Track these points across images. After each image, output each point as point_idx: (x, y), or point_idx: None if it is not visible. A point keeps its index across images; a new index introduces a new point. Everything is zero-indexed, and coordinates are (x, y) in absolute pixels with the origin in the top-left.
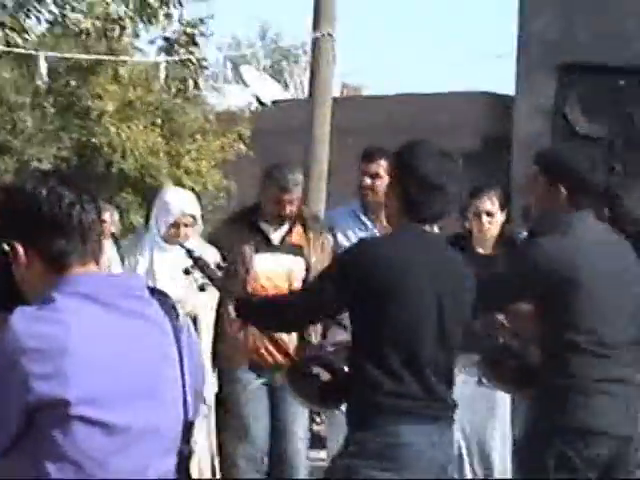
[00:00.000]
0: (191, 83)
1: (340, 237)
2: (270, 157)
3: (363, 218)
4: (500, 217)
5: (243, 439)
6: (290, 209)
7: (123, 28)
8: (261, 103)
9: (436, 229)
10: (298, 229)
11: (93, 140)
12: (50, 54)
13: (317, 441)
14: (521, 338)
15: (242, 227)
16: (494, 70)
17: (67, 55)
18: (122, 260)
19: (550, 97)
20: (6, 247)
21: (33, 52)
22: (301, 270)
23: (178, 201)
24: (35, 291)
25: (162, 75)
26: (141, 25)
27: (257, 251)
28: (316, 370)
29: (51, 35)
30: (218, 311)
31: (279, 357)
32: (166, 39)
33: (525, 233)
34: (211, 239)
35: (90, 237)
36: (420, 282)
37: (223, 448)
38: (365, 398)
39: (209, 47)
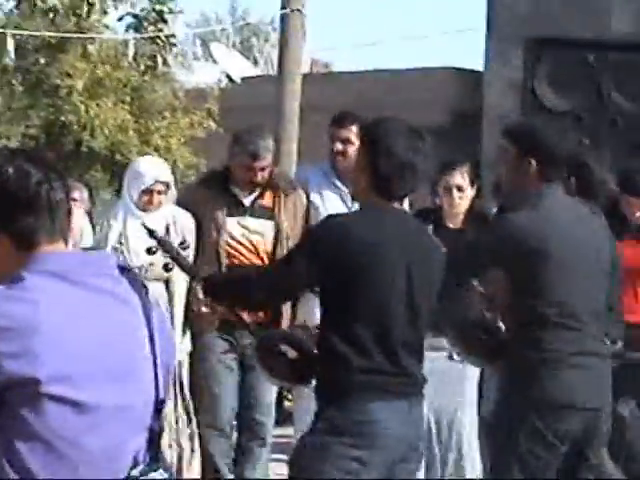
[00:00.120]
0: (160, 60)
1: (314, 195)
2: None
3: (335, 181)
4: (470, 192)
5: (211, 409)
6: (262, 175)
7: (91, 5)
8: (230, 80)
9: (406, 205)
10: (269, 192)
11: (62, 118)
12: (18, 32)
13: (289, 418)
14: (494, 307)
15: (214, 190)
16: (464, 45)
17: (35, 33)
18: (94, 228)
19: (519, 72)
20: None
21: (0, 30)
22: (272, 233)
23: (151, 169)
24: (4, 270)
25: (131, 52)
26: (109, 2)
27: (229, 214)
28: (284, 348)
29: (19, 13)
30: (190, 289)
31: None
32: (135, 16)
33: (495, 209)
34: (182, 202)
35: (58, 215)
36: (389, 259)
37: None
38: (335, 375)
39: (178, 24)
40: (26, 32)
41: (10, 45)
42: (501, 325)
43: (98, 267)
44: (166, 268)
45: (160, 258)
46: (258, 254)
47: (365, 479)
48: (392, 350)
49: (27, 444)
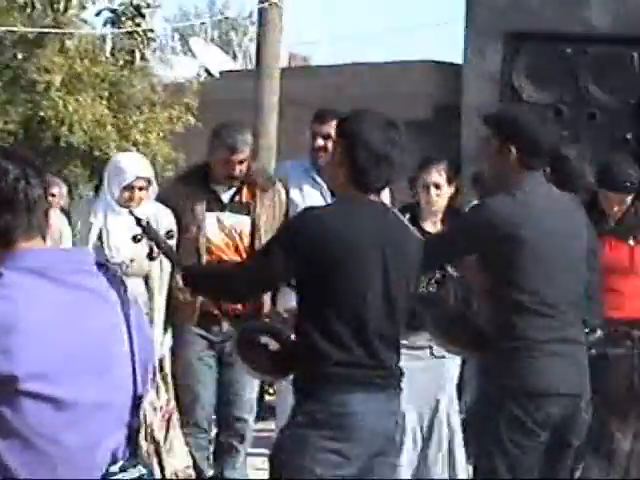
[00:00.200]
0: (138, 55)
1: (294, 191)
2: None
3: (315, 176)
4: (448, 190)
5: (189, 405)
6: (240, 169)
7: (69, 0)
8: (209, 74)
9: (386, 196)
10: (247, 188)
11: (40, 113)
12: None
13: (270, 412)
14: (471, 290)
15: (193, 186)
16: (443, 38)
17: (12, 28)
18: (73, 228)
19: (498, 65)
20: None
21: None
22: (250, 229)
23: (132, 165)
24: None
25: (109, 47)
26: None
27: (208, 210)
28: (264, 340)
29: None
30: (172, 277)
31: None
32: (112, 11)
33: (475, 202)
34: (162, 198)
35: (36, 212)
36: (367, 251)
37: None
38: (312, 368)
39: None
40: (3, 27)
41: None
42: (480, 314)
43: (76, 264)
44: (150, 256)
45: (141, 253)
46: (237, 250)
47: (345, 472)
48: (369, 343)
49: (5, 441)
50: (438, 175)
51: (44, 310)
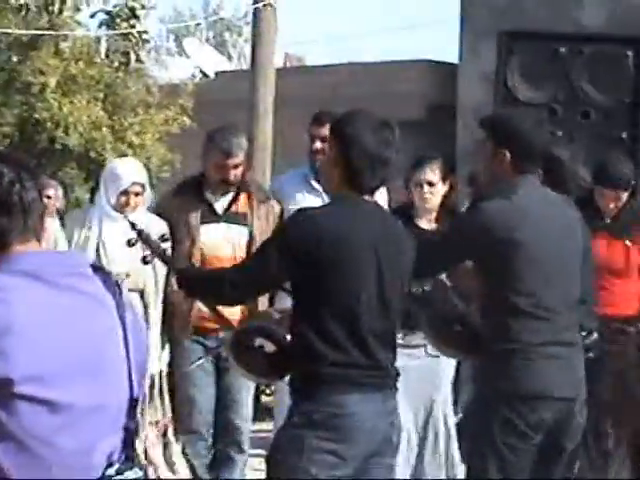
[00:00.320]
0: (133, 56)
1: (291, 205)
2: None
3: (313, 183)
4: (442, 187)
5: (187, 411)
6: (234, 174)
7: (64, 2)
8: (204, 75)
9: (383, 196)
10: (243, 197)
11: (35, 115)
12: None
13: (267, 413)
14: (465, 297)
15: (187, 197)
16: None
17: (7, 30)
18: (69, 237)
19: (493, 65)
20: None
21: None
22: (246, 239)
23: (127, 170)
24: None
25: (103, 49)
26: None
27: (202, 221)
28: (260, 341)
29: None
30: (167, 281)
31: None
32: (107, 13)
33: (467, 204)
34: (157, 210)
35: (31, 215)
36: (361, 252)
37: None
38: (308, 369)
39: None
40: None
41: None
42: (474, 316)
43: (72, 267)
44: (144, 260)
45: (137, 266)
46: (232, 261)
47: (341, 473)
48: (365, 343)
49: (1, 444)
50: (431, 173)
51: (39, 313)
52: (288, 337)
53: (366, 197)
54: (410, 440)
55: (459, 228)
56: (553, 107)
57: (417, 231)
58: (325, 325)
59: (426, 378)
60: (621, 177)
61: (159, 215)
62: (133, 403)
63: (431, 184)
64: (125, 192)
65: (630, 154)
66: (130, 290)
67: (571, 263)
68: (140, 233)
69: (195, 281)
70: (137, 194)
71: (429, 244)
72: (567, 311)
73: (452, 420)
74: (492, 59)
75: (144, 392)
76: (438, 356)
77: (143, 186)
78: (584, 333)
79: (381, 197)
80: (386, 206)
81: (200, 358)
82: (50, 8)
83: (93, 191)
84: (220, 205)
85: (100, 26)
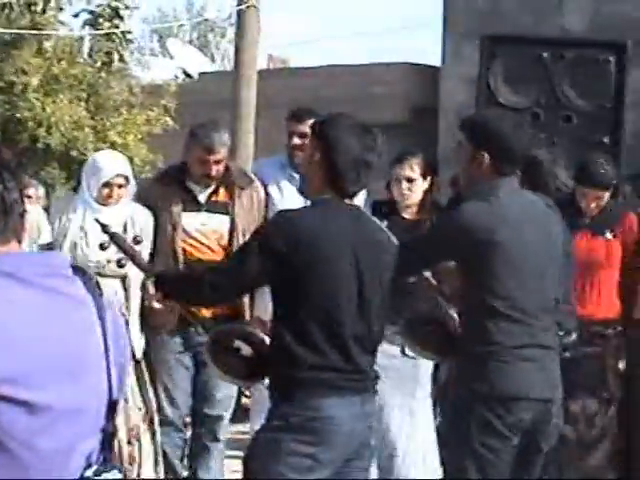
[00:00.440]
0: (116, 56)
1: (271, 187)
2: None
3: (292, 173)
4: (422, 184)
5: (163, 404)
6: (217, 169)
7: (47, 1)
8: (187, 75)
9: (362, 198)
10: (224, 188)
11: (17, 115)
12: None
13: (246, 415)
14: (446, 298)
15: (170, 186)
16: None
17: None
18: (53, 222)
19: (475, 68)
20: None
21: None
22: (227, 228)
23: (110, 162)
24: None
25: (86, 49)
26: None
27: (185, 210)
28: (237, 344)
29: None
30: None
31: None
32: (90, 12)
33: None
34: (140, 198)
35: (12, 216)
36: (341, 255)
37: None
38: (287, 371)
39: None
40: None
41: None
42: (454, 316)
43: (51, 267)
44: (119, 264)
45: (114, 255)
46: (214, 250)
47: (318, 476)
48: (344, 346)
49: None
50: (409, 169)
51: (18, 313)
52: (267, 341)
53: (347, 200)
54: (388, 432)
55: (439, 228)
56: (535, 111)
57: (402, 222)
58: (304, 328)
59: (407, 376)
60: (603, 177)
61: (142, 204)
62: (112, 405)
63: (410, 180)
64: (107, 184)
65: (611, 158)
66: (111, 276)
67: (550, 266)
68: (112, 236)
69: (173, 283)
70: (120, 186)
71: (409, 244)
72: (544, 314)
73: (431, 419)
74: (475, 62)
75: (125, 394)
76: (415, 358)
77: (127, 178)
78: (562, 333)
79: (360, 198)
80: (365, 207)
81: (180, 352)
82: (33, 7)
83: (75, 190)
84: (202, 195)
85: (83, 26)
